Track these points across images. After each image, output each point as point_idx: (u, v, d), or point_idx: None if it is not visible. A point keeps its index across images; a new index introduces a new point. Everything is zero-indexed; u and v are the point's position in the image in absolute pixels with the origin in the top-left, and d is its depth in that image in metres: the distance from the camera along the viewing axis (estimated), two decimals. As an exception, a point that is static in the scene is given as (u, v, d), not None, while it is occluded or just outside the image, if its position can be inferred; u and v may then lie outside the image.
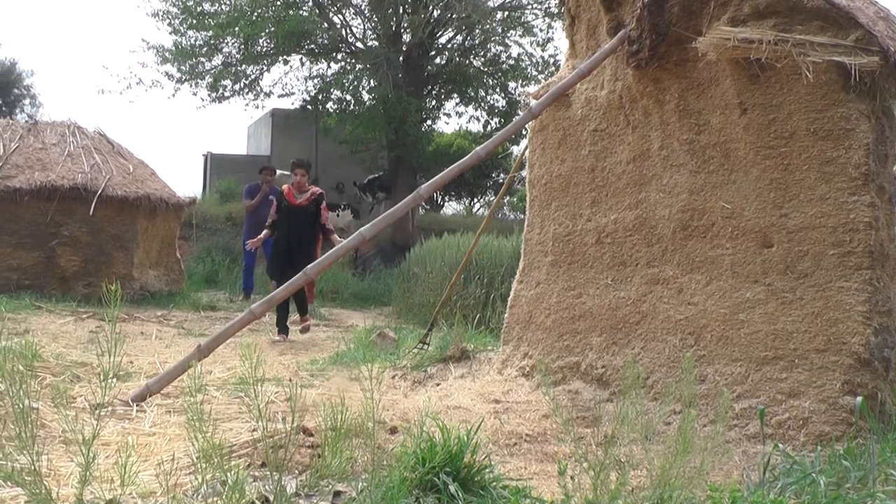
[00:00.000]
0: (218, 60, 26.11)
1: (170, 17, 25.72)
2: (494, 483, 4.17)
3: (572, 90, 7.45)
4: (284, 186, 12.18)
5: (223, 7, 25.44)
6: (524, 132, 9.06)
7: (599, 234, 7.17)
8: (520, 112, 7.77)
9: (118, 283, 3.91)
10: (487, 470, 4.22)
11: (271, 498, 3.94)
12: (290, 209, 11.97)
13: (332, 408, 4.49)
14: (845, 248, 5.50)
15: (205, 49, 25.73)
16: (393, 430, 5.81)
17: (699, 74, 6.31)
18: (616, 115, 7.10)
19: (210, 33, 25.15)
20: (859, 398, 5.21)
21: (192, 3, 25.31)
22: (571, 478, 3.89)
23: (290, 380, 6.06)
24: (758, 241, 5.95)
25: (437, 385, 7.96)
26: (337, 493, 4.25)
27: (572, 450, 4.13)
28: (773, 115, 5.85)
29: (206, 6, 25.46)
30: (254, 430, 5.49)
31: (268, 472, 4.27)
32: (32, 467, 3.55)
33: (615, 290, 6.98)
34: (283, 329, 12.13)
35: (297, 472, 4.58)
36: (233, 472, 3.71)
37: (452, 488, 3.94)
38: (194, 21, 25.25)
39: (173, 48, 25.77)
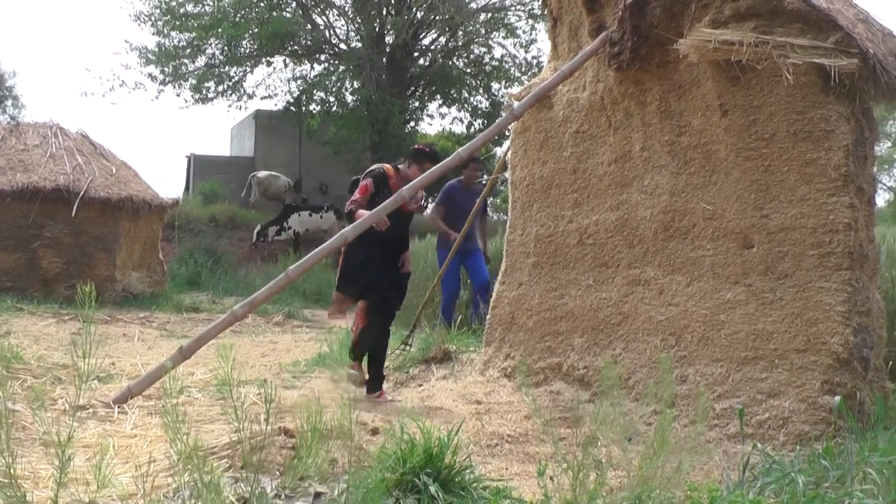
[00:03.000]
0: (201, 62, 26.13)
1: (153, 18, 25.67)
2: (475, 484, 4.17)
3: (554, 92, 7.46)
4: (388, 170, 8.00)
5: (206, 8, 25.42)
6: (507, 133, 9.06)
7: (581, 236, 7.18)
8: (503, 113, 7.76)
9: (92, 285, 3.89)
10: (468, 471, 4.22)
11: (252, 500, 3.93)
12: (399, 216, 7.68)
13: (309, 409, 4.48)
14: (825, 248, 5.52)
15: (188, 50, 25.75)
16: (374, 432, 5.81)
17: (680, 76, 6.33)
18: (598, 116, 7.12)
19: (193, 35, 25.16)
20: (837, 398, 5.24)
21: (175, 4, 25.26)
22: (551, 478, 3.90)
23: (265, 381, 6.05)
24: (738, 241, 5.97)
25: (420, 386, 7.97)
26: (317, 495, 4.25)
27: (553, 450, 4.14)
28: (754, 116, 5.87)
29: (190, 7, 25.44)
30: (235, 431, 5.48)
31: (249, 474, 4.27)
32: (8, 470, 3.53)
33: (597, 291, 6.99)
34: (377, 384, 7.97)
35: (277, 473, 4.57)
36: (212, 474, 3.69)
37: (433, 489, 3.94)
38: (177, 22, 25.22)
39: (156, 50, 25.74)
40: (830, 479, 4.34)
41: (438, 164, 7.14)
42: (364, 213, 7.19)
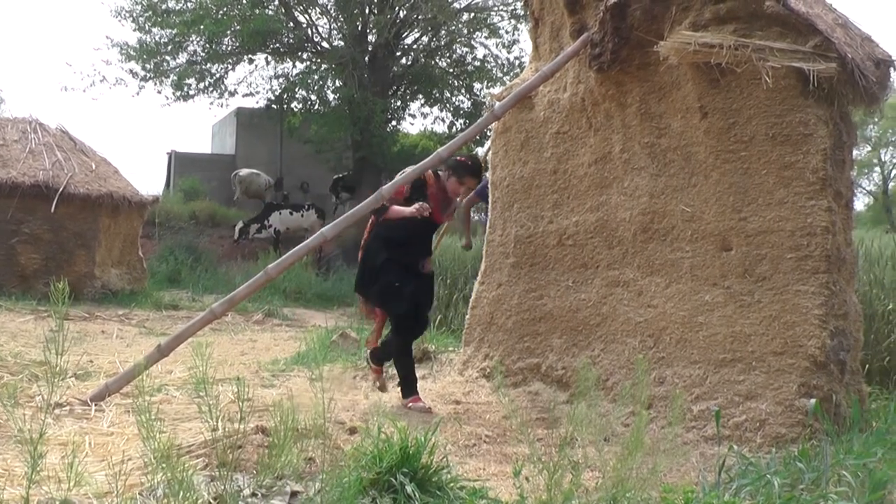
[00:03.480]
0: (182, 58, 25.96)
1: (134, 14, 25.55)
2: (451, 483, 4.17)
3: (535, 92, 7.47)
4: (428, 176, 7.32)
5: (188, 5, 25.30)
6: (488, 134, 9.08)
7: (561, 237, 7.20)
8: (484, 113, 7.77)
9: (66, 282, 3.87)
10: (445, 470, 4.22)
11: (227, 498, 3.92)
12: (428, 222, 7.30)
13: (282, 408, 4.47)
14: (803, 252, 5.56)
15: (169, 47, 25.58)
16: (352, 431, 5.80)
17: (661, 78, 6.35)
18: (578, 117, 7.13)
19: (175, 31, 25.01)
20: (813, 400, 5.26)
21: (156, 0, 25.17)
22: (527, 479, 3.91)
23: (238, 378, 6.04)
24: (717, 244, 6.00)
25: (398, 385, 7.96)
26: (294, 494, 4.24)
27: (530, 451, 4.14)
28: (733, 119, 5.90)
29: (171, 4, 25.33)
30: (213, 429, 5.47)
31: (225, 473, 4.26)
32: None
33: (576, 292, 7.01)
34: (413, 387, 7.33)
35: (254, 472, 4.56)
36: (184, 472, 3.69)
37: (409, 488, 3.94)
38: (159, 18, 25.10)
39: (137, 46, 25.61)
40: (806, 482, 4.36)
41: (417, 165, 7.11)
42: (401, 210, 7.00)
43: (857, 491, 4.18)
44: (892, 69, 6.01)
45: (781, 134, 5.68)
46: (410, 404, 6.99)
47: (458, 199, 7.67)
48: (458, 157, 7.48)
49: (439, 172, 7.36)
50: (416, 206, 6.84)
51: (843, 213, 5.77)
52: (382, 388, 7.51)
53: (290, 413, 4.48)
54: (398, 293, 7.14)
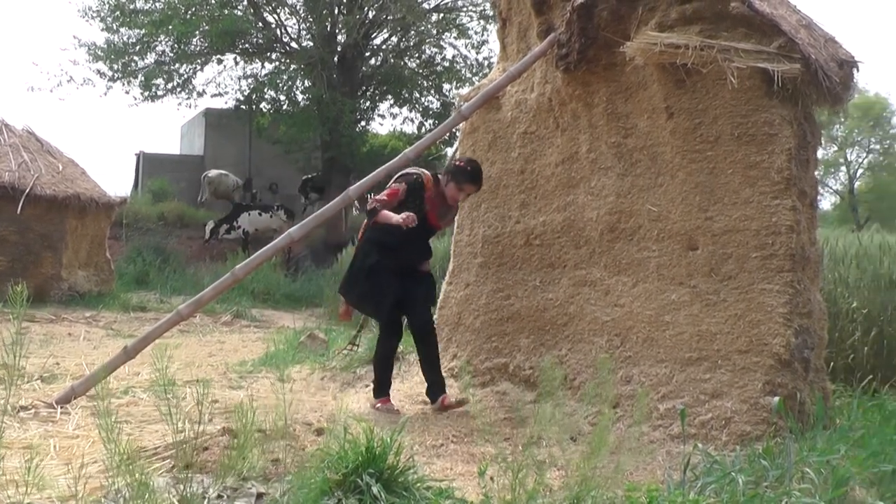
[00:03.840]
0: (151, 59, 25.87)
1: (101, 14, 25.42)
2: (418, 484, 4.18)
3: (503, 93, 7.48)
4: (427, 179, 7.12)
5: (156, 5, 25.22)
6: (458, 134, 9.08)
7: (528, 236, 7.21)
8: (452, 114, 7.76)
9: (23, 285, 3.85)
10: (411, 471, 4.23)
11: (192, 501, 3.91)
12: (423, 227, 7.01)
13: (243, 410, 4.47)
14: (768, 251, 5.59)
15: (137, 47, 25.49)
16: (319, 432, 5.79)
17: (627, 78, 6.37)
18: (545, 117, 7.14)
19: (143, 31, 24.91)
20: (776, 398, 5.31)
21: (124, 0, 25.05)
22: (491, 478, 3.92)
23: (204, 381, 6.00)
24: (683, 243, 6.02)
25: (367, 386, 7.93)
26: (259, 495, 4.24)
27: (495, 450, 4.16)
28: (699, 119, 5.93)
29: (139, 4, 25.25)
30: (178, 432, 5.45)
31: (191, 475, 4.25)
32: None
33: (543, 292, 7.02)
34: (439, 389, 7.03)
35: (221, 473, 4.55)
36: (143, 475, 3.68)
37: (375, 489, 3.94)
38: (126, 19, 24.99)
39: (105, 46, 25.48)
40: (770, 479, 4.40)
41: (386, 165, 7.10)
42: (388, 216, 6.70)
43: (820, 488, 4.22)
44: (855, 70, 6.05)
45: (747, 134, 5.72)
46: (379, 405, 6.92)
47: (458, 204, 7.47)
48: (458, 162, 7.24)
49: (439, 177, 7.17)
50: (403, 216, 6.61)
51: (807, 212, 5.81)
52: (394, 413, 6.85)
53: (250, 415, 4.47)
54: (379, 300, 7.03)
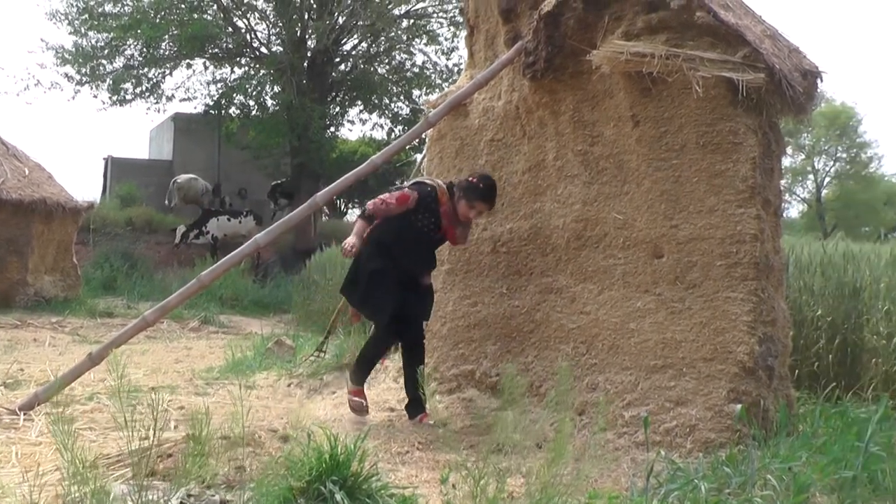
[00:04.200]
0: (119, 63, 25.79)
1: (69, 17, 25.30)
2: (381, 491, 4.17)
3: (470, 100, 7.49)
4: (441, 193, 6.92)
5: (125, 9, 25.10)
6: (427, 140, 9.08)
7: (495, 244, 7.22)
8: (421, 120, 7.76)
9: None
10: (374, 478, 4.22)
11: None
12: (433, 240, 7.04)
13: (197, 417, 4.45)
14: (732, 259, 5.63)
15: (106, 51, 25.39)
16: (285, 439, 5.78)
17: (593, 87, 6.39)
18: (512, 125, 7.16)
19: (111, 35, 24.82)
20: (739, 406, 5.34)
21: (93, 3, 24.92)
22: (453, 486, 3.93)
23: (164, 387, 5.97)
24: (649, 251, 6.05)
25: (333, 393, 7.94)
26: (223, 503, 4.22)
27: (461, 458, 4.16)
28: (665, 127, 5.95)
29: (108, 7, 25.11)
30: (144, 438, 5.43)
31: (154, 482, 4.24)
32: None
33: (510, 299, 7.03)
34: (420, 406, 6.81)
35: (182, 481, 4.53)
36: (101, 483, 3.67)
37: (338, 496, 3.93)
38: (95, 22, 24.88)
39: (73, 49, 25.36)
40: (733, 486, 4.43)
41: (353, 171, 7.06)
42: (358, 225, 6.77)
43: (782, 494, 4.26)
44: (819, 80, 6.11)
45: (712, 142, 5.75)
46: (351, 395, 6.85)
47: (472, 222, 7.14)
48: (471, 178, 6.95)
49: (454, 190, 6.93)
50: (346, 244, 6.70)
51: (771, 220, 5.85)
52: (362, 410, 6.86)
53: (214, 421, 4.46)
54: (381, 302, 6.81)
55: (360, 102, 27.97)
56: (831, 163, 47.09)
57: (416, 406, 6.77)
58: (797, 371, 7.61)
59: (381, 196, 6.88)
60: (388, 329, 6.93)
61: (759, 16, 6.41)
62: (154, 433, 4.36)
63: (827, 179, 47.31)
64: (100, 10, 25.03)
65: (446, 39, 27.16)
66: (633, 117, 6.11)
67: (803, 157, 46.75)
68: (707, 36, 5.83)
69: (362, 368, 7.03)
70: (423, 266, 7.03)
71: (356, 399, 6.82)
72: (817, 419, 5.76)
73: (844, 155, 46.68)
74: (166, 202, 27.09)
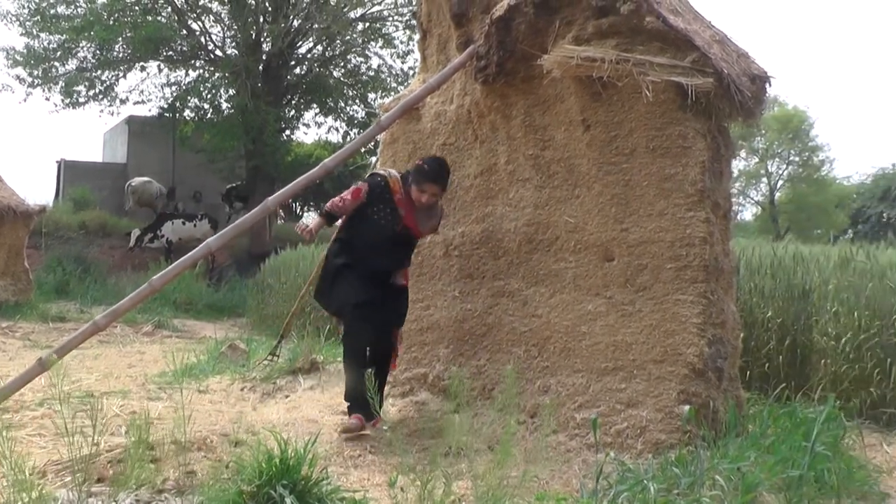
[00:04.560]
0: (72, 65, 25.57)
1: (21, 18, 25.07)
2: (332, 495, 4.19)
3: (423, 104, 7.49)
4: (393, 181, 6.73)
5: (78, 10, 24.90)
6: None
7: (447, 247, 7.23)
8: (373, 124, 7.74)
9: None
10: (325, 482, 4.23)
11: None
12: (396, 233, 6.69)
13: (135, 425, 4.43)
14: (682, 262, 5.67)
15: (58, 53, 25.18)
16: (237, 443, 5.77)
17: (545, 91, 6.41)
18: (465, 129, 7.18)
19: (64, 37, 24.62)
20: (687, 407, 5.39)
21: (45, 4, 24.70)
22: (401, 489, 3.94)
23: (103, 395, 5.92)
24: (599, 254, 6.09)
25: (286, 397, 7.93)
26: (173, 508, 4.22)
27: (404, 461, 4.18)
28: (615, 132, 5.99)
29: (61, 9, 24.89)
30: (94, 444, 5.39)
31: (102, 488, 4.22)
32: None
33: (462, 303, 7.04)
34: (362, 406, 6.19)
35: (134, 486, 4.51)
36: (42, 490, 3.65)
37: (288, 501, 3.94)
38: (47, 24, 24.66)
39: (25, 51, 25.13)
40: (681, 486, 4.48)
41: (306, 175, 7.01)
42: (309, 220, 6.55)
43: (730, 494, 4.31)
44: (767, 85, 6.16)
45: (661, 146, 5.80)
46: (353, 421, 6.30)
47: (441, 209, 6.93)
48: (419, 161, 6.87)
49: (408, 178, 6.74)
50: (301, 224, 6.59)
51: (721, 223, 5.90)
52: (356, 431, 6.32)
53: (155, 427, 4.43)
54: (345, 294, 6.58)
55: (315, 106, 27.93)
56: (784, 166, 47.46)
57: (353, 404, 6.44)
58: (748, 372, 7.71)
59: (339, 196, 6.78)
60: (355, 328, 6.50)
61: (708, 21, 6.46)
62: (94, 439, 4.32)
63: (780, 182, 47.69)
64: (52, 11, 24.81)
65: (402, 43, 27.22)
66: (583, 121, 6.14)
67: (757, 160, 47.11)
68: (656, 41, 5.87)
69: (350, 388, 6.50)
70: (390, 263, 6.73)
71: (350, 420, 6.36)
72: (766, 420, 5.82)
73: (797, 158, 47.06)
74: (125, 207, 26.91)
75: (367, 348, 6.36)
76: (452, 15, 7.11)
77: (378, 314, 6.54)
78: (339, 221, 6.94)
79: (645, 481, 4.47)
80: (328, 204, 6.77)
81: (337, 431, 6.33)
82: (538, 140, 6.51)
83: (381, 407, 6.19)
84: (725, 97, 5.70)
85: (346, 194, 6.73)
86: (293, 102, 27.54)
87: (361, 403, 6.09)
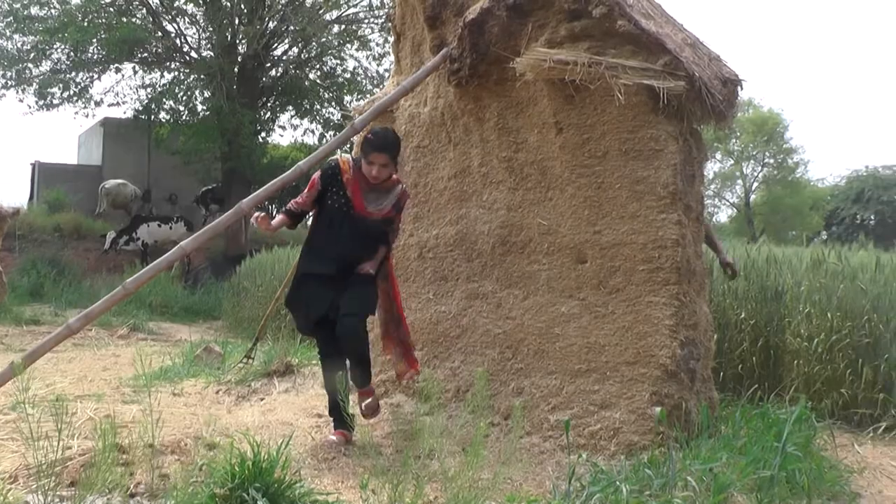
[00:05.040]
0: (46, 66, 25.39)
1: (-7, 19, 24.92)
2: (304, 498, 4.19)
3: (397, 106, 7.51)
4: (342, 161, 6.28)
5: (52, 12, 24.76)
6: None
7: (421, 249, 7.24)
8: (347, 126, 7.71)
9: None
10: (298, 485, 4.23)
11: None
12: (351, 217, 6.17)
13: (103, 430, 4.42)
14: (654, 264, 5.71)
15: (32, 54, 25.01)
16: (211, 446, 5.75)
17: (518, 94, 6.43)
18: (438, 131, 7.19)
19: (37, 38, 24.46)
20: (658, 408, 5.42)
21: (18, 6, 24.54)
22: (372, 491, 3.95)
23: (77, 398, 5.91)
24: (573, 256, 6.12)
25: (261, 400, 7.92)
26: (144, 511, 4.21)
27: (376, 463, 4.19)
28: (588, 134, 6.02)
29: (34, 10, 24.74)
30: (68, 448, 5.38)
31: (74, 492, 4.21)
32: None
33: (436, 305, 7.06)
34: (340, 422, 6.15)
35: (107, 490, 4.50)
36: (13, 495, 3.65)
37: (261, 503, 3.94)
38: (21, 25, 24.50)
39: (-3, 52, 24.99)
40: (654, 487, 4.51)
41: (280, 178, 6.92)
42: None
43: (702, 495, 4.34)
44: (739, 88, 6.21)
45: (633, 149, 5.83)
46: (333, 437, 6.15)
47: (400, 187, 6.36)
48: (364, 133, 6.53)
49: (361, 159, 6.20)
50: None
51: (693, 226, 5.94)
52: (370, 410, 6.31)
53: (108, 432, 4.41)
54: (304, 312, 6.31)
55: (291, 108, 27.85)
56: (759, 168, 47.74)
57: (336, 419, 6.23)
58: (722, 373, 7.75)
59: (296, 198, 6.39)
60: (321, 342, 6.38)
61: (680, 24, 6.50)
62: (61, 443, 4.31)
63: (755, 184, 47.94)
64: (25, 12, 24.65)
65: (378, 45, 27.15)
66: (556, 124, 6.17)
67: (732, 162, 47.36)
68: (629, 44, 5.89)
69: (330, 404, 6.29)
70: (353, 252, 6.17)
71: (338, 439, 6.14)
72: (738, 420, 5.86)
73: (772, 160, 47.31)
74: (97, 209, 26.78)
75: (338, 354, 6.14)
76: (426, 17, 7.12)
77: (339, 304, 6.08)
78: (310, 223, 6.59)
79: (617, 482, 4.50)
80: (290, 203, 6.39)
81: (318, 442, 6.12)
82: (511, 142, 6.53)
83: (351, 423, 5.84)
84: (697, 100, 5.73)
85: (303, 192, 6.37)
86: (269, 104, 27.45)
87: (339, 417, 6.03)
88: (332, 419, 6.35)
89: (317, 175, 6.29)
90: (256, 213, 6.10)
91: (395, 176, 6.31)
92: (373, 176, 6.07)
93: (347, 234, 6.15)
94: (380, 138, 6.11)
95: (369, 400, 6.28)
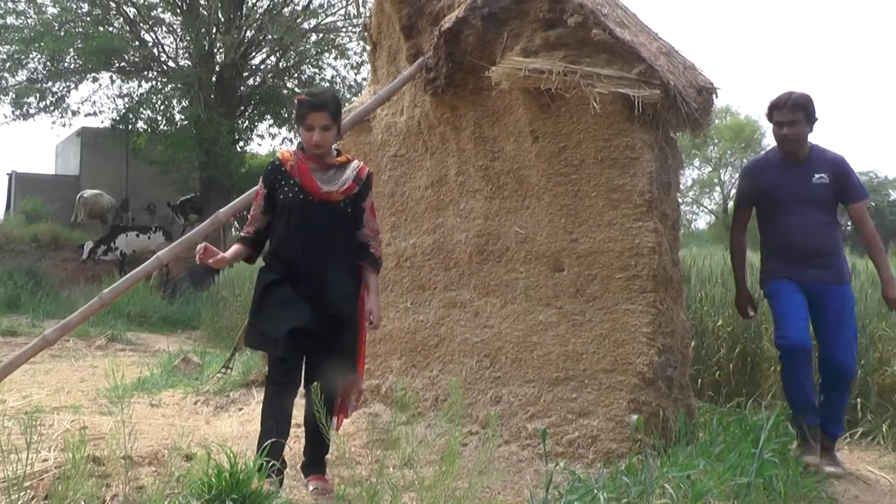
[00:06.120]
0: (22, 76, 25.31)
1: (-32, 29, 24.82)
2: (281, 508, 4.18)
3: (373, 115, 7.50)
4: (281, 153, 5.47)
5: (28, 21, 24.70)
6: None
7: (399, 259, 7.24)
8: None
9: None
10: (275, 496, 4.22)
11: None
12: (308, 205, 5.23)
13: (72, 442, 4.40)
14: (631, 272, 5.72)
15: (8, 64, 24.93)
16: (189, 457, 5.73)
17: (494, 103, 6.44)
18: (415, 140, 7.19)
19: (13, 47, 24.38)
20: (635, 416, 5.43)
21: (-7, 15, 24.50)
22: (349, 502, 3.94)
23: (54, 410, 5.87)
24: (550, 265, 6.12)
25: (240, 410, 7.90)
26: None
27: (351, 473, 4.18)
28: (564, 143, 6.03)
29: (10, 19, 24.67)
30: (44, 460, 5.36)
31: (50, 504, 4.19)
32: None
33: (414, 314, 7.05)
34: (317, 465, 5.29)
35: (83, 502, 4.48)
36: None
37: (237, 514, 3.93)
38: (-4, 34, 24.44)
39: (-28, 62, 24.89)
40: (631, 495, 4.50)
41: (256, 187, 6.37)
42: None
43: (680, 502, 4.35)
44: (714, 96, 6.22)
45: (609, 157, 5.83)
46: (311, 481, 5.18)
47: (356, 162, 5.53)
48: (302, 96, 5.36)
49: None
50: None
51: (669, 233, 5.95)
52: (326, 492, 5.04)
53: (76, 445, 4.39)
54: (272, 328, 5.11)
55: (269, 116, 27.87)
56: (737, 175, 47.95)
57: (311, 467, 5.31)
58: (700, 380, 7.76)
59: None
60: (282, 367, 5.15)
61: (655, 33, 6.51)
62: (30, 456, 4.29)
63: (733, 191, 48.16)
64: (1, 22, 24.57)
65: (356, 54, 27.23)
66: (532, 133, 6.17)
67: (710, 169, 47.55)
68: (604, 53, 5.90)
69: (265, 434, 4.93)
70: (320, 244, 5.21)
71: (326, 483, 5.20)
72: (716, 427, 5.88)
73: (750, 167, 47.52)
74: (72, 219, 26.69)
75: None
76: (402, 27, 7.12)
77: (319, 357, 5.20)
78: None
79: (595, 490, 4.50)
80: (244, 230, 5.51)
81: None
82: (488, 151, 6.53)
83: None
84: (672, 108, 5.74)
85: (251, 212, 5.48)
86: (247, 113, 27.45)
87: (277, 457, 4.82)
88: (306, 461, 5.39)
89: (259, 184, 5.46)
90: (200, 246, 5.17)
91: (347, 156, 5.56)
92: (314, 143, 5.21)
93: (314, 227, 5.21)
94: (314, 96, 5.32)
95: (322, 483, 5.17)
